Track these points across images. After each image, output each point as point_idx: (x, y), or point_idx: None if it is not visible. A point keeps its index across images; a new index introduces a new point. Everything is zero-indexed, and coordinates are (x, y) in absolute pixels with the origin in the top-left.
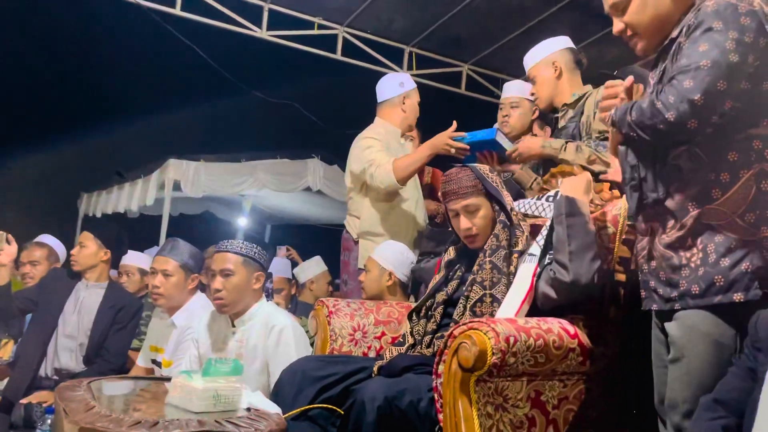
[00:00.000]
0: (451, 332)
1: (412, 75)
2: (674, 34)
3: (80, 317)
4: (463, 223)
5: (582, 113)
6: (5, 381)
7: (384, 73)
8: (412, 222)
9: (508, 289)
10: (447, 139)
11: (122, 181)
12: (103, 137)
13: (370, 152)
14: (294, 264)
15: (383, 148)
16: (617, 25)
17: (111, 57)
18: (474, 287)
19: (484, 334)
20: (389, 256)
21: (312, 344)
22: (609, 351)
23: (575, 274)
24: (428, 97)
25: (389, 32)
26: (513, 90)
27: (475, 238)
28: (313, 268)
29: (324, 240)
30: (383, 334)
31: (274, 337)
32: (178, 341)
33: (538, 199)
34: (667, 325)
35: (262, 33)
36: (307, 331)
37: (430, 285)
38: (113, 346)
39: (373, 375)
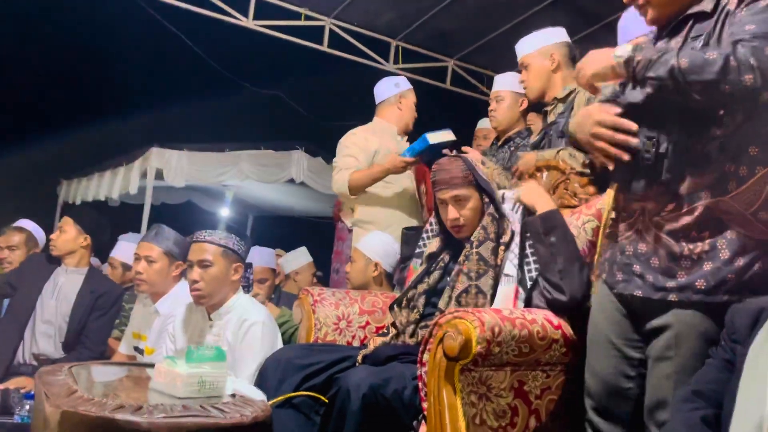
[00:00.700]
0: (437, 321)
1: (398, 69)
2: (698, 8)
3: (58, 302)
4: (451, 212)
5: (572, 108)
6: None
7: (370, 66)
8: (406, 215)
9: (494, 282)
10: (398, 160)
11: (103, 169)
12: (85, 124)
13: (340, 155)
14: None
15: (359, 152)
16: None
17: (94, 44)
18: (460, 277)
19: (470, 323)
20: (376, 246)
21: (291, 337)
22: None
23: (570, 292)
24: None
25: (376, 25)
26: (498, 83)
27: (461, 228)
28: (299, 259)
29: (307, 232)
30: (368, 323)
31: (242, 331)
32: (161, 329)
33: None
34: (655, 317)
35: (248, 22)
36: (287, 321)
37: (412, 277)
38: (93, 332)
39: (357, 364)
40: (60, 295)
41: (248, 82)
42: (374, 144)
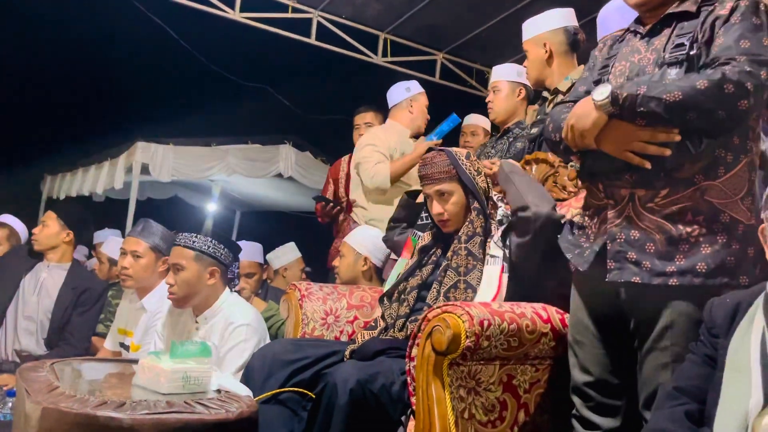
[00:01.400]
0: (425, 315)
1: (386, 62)
2: (682, 8)
3: (40, 298)
4: (435, 207)
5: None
6: None
7: (358, 60)
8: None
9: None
10: (425, 144)
11: (88, 164)
12: (69, 118)
13: (370, 150)
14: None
15: (384, 147)
16: None
17: (78, 38)
18: (448, 272)
19: (459, 317)
20: (364, 241)
21: (277, 331)
22: None
23: (534, 205)
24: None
25: (364, 18)
26: (495, 74)
27: (446, 223)
28: (288, 254)
29: (294, 227)
30: (356, 318)
31: (228, 332)
32: (147, 325)
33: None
34: (646, 307)
35: (235, 14)
36: (273, 315)
37: (403, 269)
38: (76, 329)
39: (345, 359)
40: (42, 290)
41: (235, 75)
42: (393, 141)
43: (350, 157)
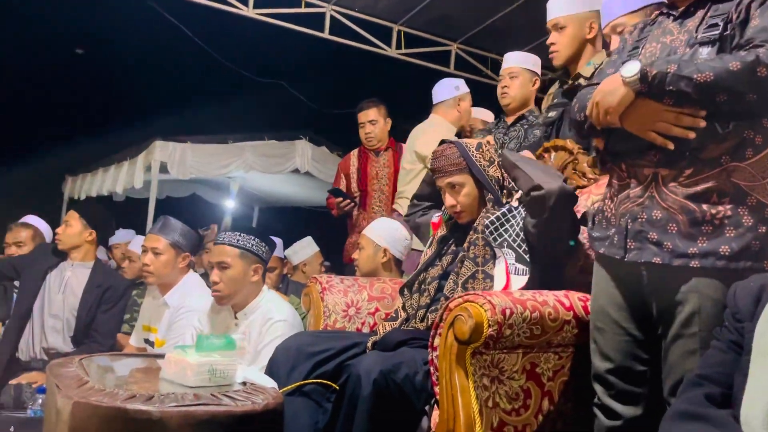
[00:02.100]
0: (447, 305)
1: (401, 54)
2: None
3: (65, 296)
4: (448, 200)
5: None
6: None
7: (372, 53)
8: None
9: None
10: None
11: (108, 164)
12: (88, 120)
13: (428, 140)
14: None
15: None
16: None
17: (94, 38)
18: (465, 263)
19: (481, 306)
20: (384, 233)
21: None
22: None
23: (546, 183)
24: (417, 76)
25: (377, 10)
26: (512, 60)
27: (460, 215)
28: (306, 249)
29: (312, 222)
30: (377, 309)
31: (265, 329)
32: (171, 321)
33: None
34: (670, 291)
35: (249, 11)
36: (295, 309)
37: (422, 260)
38: (102, 326)
39: (367, 350)
40: (67, 289)
41: (250, 72)
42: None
43: (359, 151)
